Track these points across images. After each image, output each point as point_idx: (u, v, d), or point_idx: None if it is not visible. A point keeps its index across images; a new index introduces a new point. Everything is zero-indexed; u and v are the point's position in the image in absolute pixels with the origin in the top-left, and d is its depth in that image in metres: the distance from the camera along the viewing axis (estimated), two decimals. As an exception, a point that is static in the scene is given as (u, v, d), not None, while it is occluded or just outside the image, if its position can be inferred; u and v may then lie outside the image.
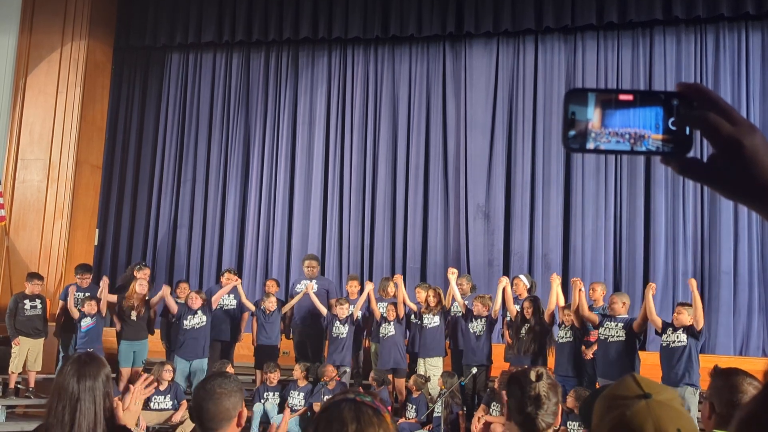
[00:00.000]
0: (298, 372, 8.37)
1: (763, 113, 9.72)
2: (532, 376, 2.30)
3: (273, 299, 8.98)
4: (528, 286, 8.66)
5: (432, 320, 8.49)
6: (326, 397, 7.74)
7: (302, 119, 11.43)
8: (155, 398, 7.95)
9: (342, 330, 8.58)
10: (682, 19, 9.94)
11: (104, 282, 8.97)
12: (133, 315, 8.60)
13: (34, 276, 9.12)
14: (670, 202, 9.88)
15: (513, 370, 2.50)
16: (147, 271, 9.23)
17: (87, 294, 8.99)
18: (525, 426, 2.27)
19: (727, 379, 2.30)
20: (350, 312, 8.71)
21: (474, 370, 7.65)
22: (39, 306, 8.92)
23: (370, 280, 10.62)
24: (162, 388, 8.02)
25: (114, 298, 8.81)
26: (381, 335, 8.58)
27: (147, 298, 8.85)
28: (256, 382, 8.73)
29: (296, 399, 8.27)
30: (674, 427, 1.31)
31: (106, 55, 11.53)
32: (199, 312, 8.65)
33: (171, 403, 8.06)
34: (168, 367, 8.15)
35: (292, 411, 8.18)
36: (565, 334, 7.79)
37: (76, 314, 8.61)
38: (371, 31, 11.01)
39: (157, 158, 11.92)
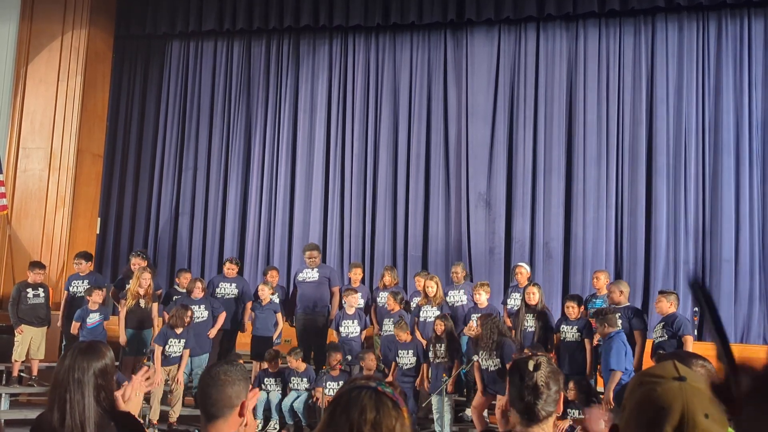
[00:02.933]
0: (293, 362, 8.34)
1: (765, 100, 9.70)
2: (530, 365, 2.30)
3: (266, 288, 8.95)
4: (529, 274, 8.67)
5: (432, 312, 8.45)
6: (329, 383, 7.79)
7: (303, 107, 11.41)
8: (171, 341, 8.07)
9: (352, 329, 8.46)
10: (685, 6, 9.91)
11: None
12: (142, 303, 8.61)
13: (36, 265, 9.13)
14: (672, 191, 9.87)
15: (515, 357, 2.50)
16: (137, 261, 9.21)
17: (87, 282, 8.99)
18: (525, 414, 2.28)
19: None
20: (360, 305, 8.69)
21: (475, 359, 7.65)
22: (42, 294, 8.94)
23: (371, 268, 10.69)
24: (178, 331, 8.12)
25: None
26: (384, 331, 8.50)
27: (153, 288, 8.88)
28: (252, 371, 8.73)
29: (300, 385, 8.28)
30: (703, 411, 1.31)
31: (106, 43, 11.50)
32: (202, 306, 8.65)
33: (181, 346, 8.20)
34: (188, 312, 8.23)
35: (296, 395, 8.20)
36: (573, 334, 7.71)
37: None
38: (372, 19, 10.98)
39: (158, 147, 11.92)
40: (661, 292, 7.48)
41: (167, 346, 8.07)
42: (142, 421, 2.70)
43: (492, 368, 7.30)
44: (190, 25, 11.58)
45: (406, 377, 7.92)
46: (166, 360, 8.10)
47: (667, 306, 7.21)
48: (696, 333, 9.14)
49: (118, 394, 2.66)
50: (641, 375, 1.43)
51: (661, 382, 1.36)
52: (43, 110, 10.81)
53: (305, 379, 8.25)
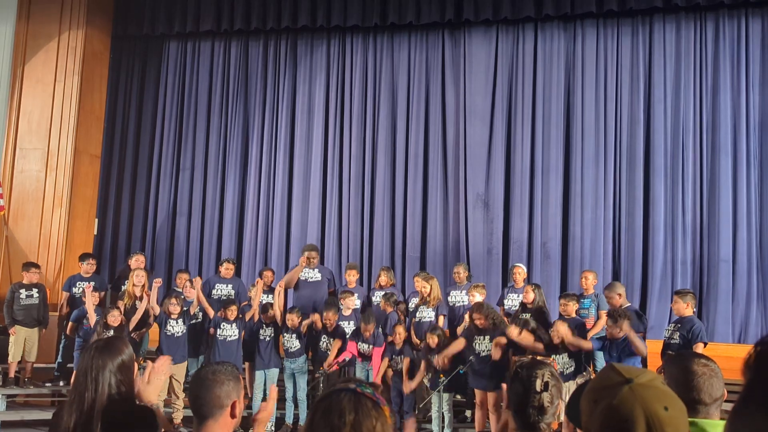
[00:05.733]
0: (294, 320, 8.30)
1: (762, 100, 9.71)
2: (538, 386, 2.24)
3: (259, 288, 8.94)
4: (525, 275, 8.66)
5: (428, 313, 8.42)
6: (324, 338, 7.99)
7: (301, 108, 11.40)
8: (169, 322, 8.12)
9: (347, 330, 8.40)
10: (682, 7, 9.92)
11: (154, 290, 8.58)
12: (138, 304, 8.58)
13: (30, 265, 9.11)
14: (670, 191, 9.88)
15: (522, 360, 2.46)
16: (141, 258, 9.22)
17: (94, 283, 8.96)
18: (527, 427, 2.25)
19: (679, 364, 2.29)
20: (357, 306, 8.68)
21: (472, 359, 7.64)
22: (35, 295, 8.91)
23: (370, 268, 10.68)
24: (174, 316, 8.16)
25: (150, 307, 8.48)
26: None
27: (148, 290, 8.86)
28: (246, 372, 8.70)
29: (291, 342, 8.24)
30: (661, 405, 1.32)
31: (104, 43, 11.49)
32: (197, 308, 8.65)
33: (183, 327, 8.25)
34: (173, 300, 8.23)
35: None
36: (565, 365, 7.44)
37: (93, 318, 8.34)
38: (370, 20, 10.98)
39: (155, 147, 11.91)
40: (677, 293, 7.27)
41: (168, 326, 8.13)
42: (160, 413, 2.73)
43: (484, 353, 7.36)
44: (188, 25, 11.57)
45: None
46: (170, 344, 8.07)
47: (683, 307, 7.02)
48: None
49: (140, 378, 2.72)
50: (590, 392, 1.41)
51: (614, 393, 1.35)
52: (40, 111, 10.79)
53: (295, 335, 8.23)
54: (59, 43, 10.87)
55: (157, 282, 8.61)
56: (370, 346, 8.08)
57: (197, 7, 11.54)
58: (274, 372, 8.29)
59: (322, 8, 11.09)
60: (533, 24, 10.63)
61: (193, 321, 8.61)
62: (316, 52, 11.49)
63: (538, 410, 2.23)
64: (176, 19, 11.63)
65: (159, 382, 2.77)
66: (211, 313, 8.50)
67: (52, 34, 10.89)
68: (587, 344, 7.16)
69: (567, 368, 7.14)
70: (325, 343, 8.23)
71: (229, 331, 8.28)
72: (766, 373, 1.02)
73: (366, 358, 8.15)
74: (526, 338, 7.24)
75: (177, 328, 8.18)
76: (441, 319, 8.35)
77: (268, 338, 8.31)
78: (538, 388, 2.24)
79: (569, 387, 6.92)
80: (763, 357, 1.04)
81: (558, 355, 7.17)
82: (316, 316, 8.44)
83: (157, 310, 8.35)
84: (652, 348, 7.36)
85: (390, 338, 8.08)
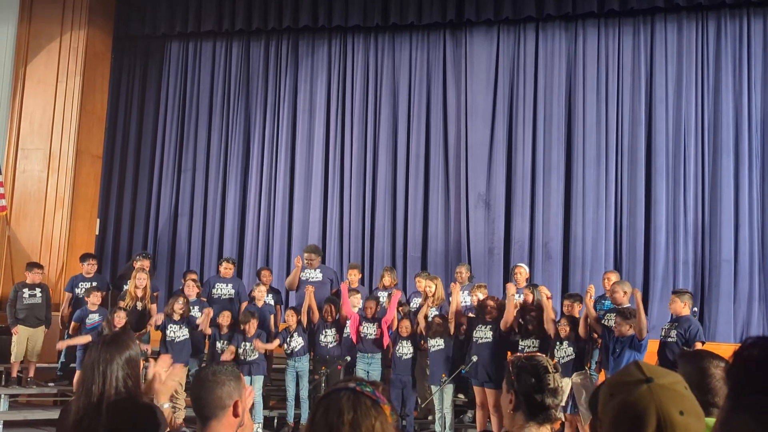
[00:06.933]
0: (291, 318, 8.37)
1: (764, 100, 9.70)
2: (550, 367, 2.26)
3: (263, 289, 8.94)
4: (528, 275, 8.66)
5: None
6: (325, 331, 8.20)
7: (302, 108, 11.41)
8: (170, 326, 8.13)
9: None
10: (684, 6, 9.91)
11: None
12: (139, 305, 8.60)
13: (33, 265, 9.14)
14: (671, 191, 9.87)
15: (518, 357, 2.46)
16: (147, 262, 9.21)
17: (93, 284, 8.97)
18: (539, 417, 2.23)
19: (695, 364, 2.27)
20: (359, 305, 8.68)
21: (474, 359, 7.65)
22: (39, 295, 8.92)
23: (371, 268, 10.68)
24: (176, 318, 8.16)
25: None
26: (398, 355, 8.10)
27: (151, 290, 8.87)
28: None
29: (295, 341, 8.28)
30: (677, 409, 1.31)
31: (105, 44, 11.50)
32: (196, 307, 8.63)
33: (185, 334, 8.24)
34: (180, 299, 8.25)
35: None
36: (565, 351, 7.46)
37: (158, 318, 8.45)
38: (371, 20, 10.98)
39: (157, 147, 11.91)
40: (674, 292, 7.38)
41: (169, 331, 8.11)
42: (170, 413, 2.74)
43: (483, 340, 7.46)
44: (189, 25, 11.57)
45: (404, 372, 7.98)
46: (171, 349, 8.04)
47: (681, 306, 7.10)
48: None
49: (155, 380, 2.73)
50: (609, 386, 1.41)
51: (632, 389, 1.35)
52: (42, 111, 10.80)
53: (296, 334, 8.29)
54: (61, 43, 10.89)
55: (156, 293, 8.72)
56: (375, 324, 8.18)
57: (198, 7, 11.54)
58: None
59: (324, 8, 11.09)
60: (534, 24, 10.63)
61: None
62: (317, 52, 11.49)
63: (552, 392, 2.24)
64: (178, 19, 11.63)
65: (174, 384, 2.79)
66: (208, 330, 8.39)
67: (53, 34, 10.91)
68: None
69: (567, 357, 7.18)
70: (326, 336, 8.26)
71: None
72: (747, 380, 1.03)
73: (367, 348, 8.15)
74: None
75: (179, 332, 8.15)
76: None
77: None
78: (550, 369, 2.25)
79: (566, 383, 6.94)
80: (741, 364, 1.05)
81: (560, 345, 7.22)
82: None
83: (160, 320, 8.35)
84: (650, 348, 7.37)
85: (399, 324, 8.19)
